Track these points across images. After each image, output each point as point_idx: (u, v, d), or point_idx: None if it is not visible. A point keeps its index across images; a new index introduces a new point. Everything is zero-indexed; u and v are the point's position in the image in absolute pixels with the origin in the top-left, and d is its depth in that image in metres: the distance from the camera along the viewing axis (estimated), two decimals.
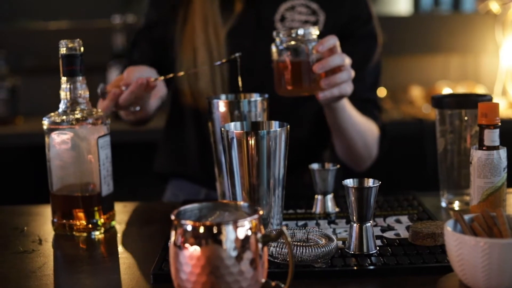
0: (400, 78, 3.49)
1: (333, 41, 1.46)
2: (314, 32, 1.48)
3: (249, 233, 0.96)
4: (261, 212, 0.99)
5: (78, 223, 1.37)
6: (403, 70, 3.52)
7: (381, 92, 3.29)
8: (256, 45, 1.77)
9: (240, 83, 1.47)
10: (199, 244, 0.94)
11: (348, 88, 1.49)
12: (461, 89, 3.30)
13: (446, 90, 3.27)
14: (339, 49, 1.48)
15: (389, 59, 3.32)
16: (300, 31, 1.46)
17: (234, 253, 0.94)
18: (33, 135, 3.05)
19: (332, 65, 1.45)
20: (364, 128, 1.71)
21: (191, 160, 1.87)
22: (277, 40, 1.49)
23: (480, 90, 3.30)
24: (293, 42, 1.46)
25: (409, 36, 3.46)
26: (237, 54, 1.47)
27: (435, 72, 3.56)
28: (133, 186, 2.54)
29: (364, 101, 1.78)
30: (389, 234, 1.29)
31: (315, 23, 1.75)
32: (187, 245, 0.95)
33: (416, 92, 3.34)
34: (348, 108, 1.62)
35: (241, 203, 1.04)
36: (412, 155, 3.08)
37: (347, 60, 1.47)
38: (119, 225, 1.44)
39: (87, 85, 1.40)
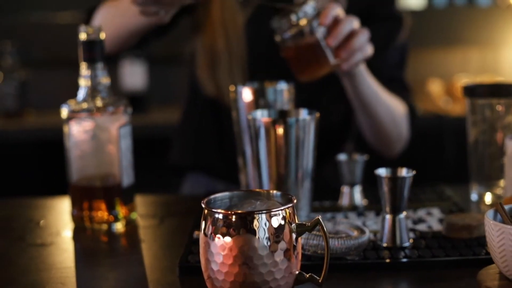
0: (419, 71, 3.46)
1: (335, 9, 1.40)
2: (312, 6, 1.40)
3: (283, 222, 0.92)
4: (295, 201, 0.95)
5: (98, 214, 1.33)
6: (422, 64, 3.49)
7: None
8: (273, 32, 1.73)
9: None
10: (231, 234, 0.90)
11: (369, 49, 1.44)
12: None
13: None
14: (342, 13, 1.42)
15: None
16: (299, 14, 1.38)
17: (267, 243, 0.90)
18: (43, 128, 3.04)
19: (345, 33, 1.39)
20: (388, 101, 1.64)
21: (209, 153, 1.84)
22: (278, 30, 1.42)
23: None
24: (295, 28, 1.39)
25: (425, 29, 3.43)
26: None
27: (454, 65, 3.53)
28: (146, 182, 2.50)
29: (390, 80, 1.71)
30: (422, 227, 1.25)
31: None
32: (218, 235, 0.91)
33: (435, 86, 3.31)
34: (367, 75, 1.55)
35: (274, 191, 0.99)
36: (431, 151, 3.05)
37: (356, 22, 1.42)
38: (140, 217, 1.40)
39: None
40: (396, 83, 1.74)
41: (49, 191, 3.09)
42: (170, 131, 2.09)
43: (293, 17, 1.39)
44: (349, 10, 1.71)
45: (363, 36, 1.41)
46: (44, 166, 3.22)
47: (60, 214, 1.46)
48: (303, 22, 1.39)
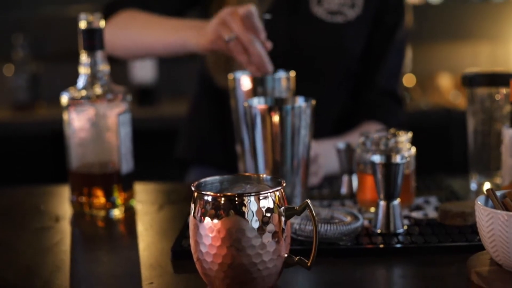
0: (429, 65, 3.46)
1: None
2: (406, 140, 1.30)
3: (272, 205, 0.92)
4: (284, 184, 0.95)
5: (96, 200, 1.34)
6: (431, 58, 3.49)
7: (410, 80, 3.27)
8: (291, 28, 1.72)
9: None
10: (220, 216, 0.91)
11: None
12: None
13: None
14: None
15: (418, 46, 3.29)
16: (389, 142, 1.28)
17: (256, 225, 0.91)
18: (54, 121, 3.05)
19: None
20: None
21: (214, 146, 1.85)
22: (363, 145, 1.30)
23: None
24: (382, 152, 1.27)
25: (437, 23, 3.43)
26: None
27: (463, 59, 3.53)
28: (154, 174, 2.52)
29: (384, 92, 1.72)
30: (417, 214, 1.25)
31: (352, 6, 1.70)
32: (207, 217, 0.92)
33: (445, 80, 3.31)
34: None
35: (264, 175, 1.00)
36: (439, 144, 3.05)
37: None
38: (140, 204, 1.41)
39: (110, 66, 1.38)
40: (389, 97, 1.74)
41: (60, 182, 3.11)
42: (179, 124, 2.09)
43: (383, 142, 1.29)
44: (365, 10, 1.71)
45: None
46: (55, 158, 3.24)
47: (61, 200, 1.48)
48: (391, 151, 1.28)
